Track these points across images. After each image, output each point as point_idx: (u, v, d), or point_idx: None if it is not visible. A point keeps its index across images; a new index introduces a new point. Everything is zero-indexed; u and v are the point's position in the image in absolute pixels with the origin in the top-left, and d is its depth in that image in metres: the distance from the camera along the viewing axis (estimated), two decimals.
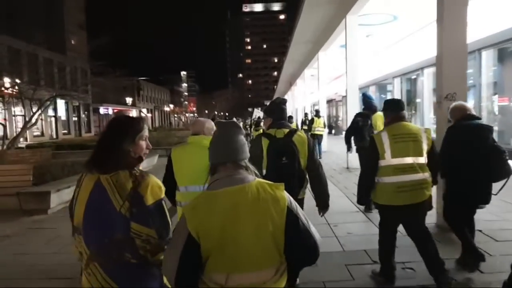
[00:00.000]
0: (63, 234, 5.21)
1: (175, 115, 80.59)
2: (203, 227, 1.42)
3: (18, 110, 32.17)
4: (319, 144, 13.65)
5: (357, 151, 6.29)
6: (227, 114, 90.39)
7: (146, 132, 1.80)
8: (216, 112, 79.83)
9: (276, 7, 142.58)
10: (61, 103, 38.01)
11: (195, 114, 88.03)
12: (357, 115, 6.37)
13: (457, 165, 3.43)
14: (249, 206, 1.44)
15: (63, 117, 39.70)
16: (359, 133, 6.06)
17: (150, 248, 1.62)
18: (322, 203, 3.09)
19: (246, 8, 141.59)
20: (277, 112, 3.20)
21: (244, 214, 1.43)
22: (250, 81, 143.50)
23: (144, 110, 63.53)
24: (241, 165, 1.55)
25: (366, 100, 6.33)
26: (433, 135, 3.46)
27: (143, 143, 1.78)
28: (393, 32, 13.70)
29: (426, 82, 14.26)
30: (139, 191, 1.62)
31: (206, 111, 71.68)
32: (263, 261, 1.44)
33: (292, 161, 2.89)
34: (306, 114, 18.28)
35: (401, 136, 3.20)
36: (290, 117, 11.72)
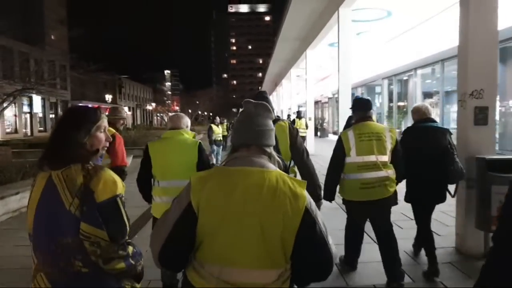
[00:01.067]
0: (5, 254, 4.32)
1: (158, 114, 79.26)
2: (206, 200, 1.27)
3: None
4: None
5: None
6: (211, 114, 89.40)
7: (104, 123, 1.63)
8: (199, 112, 78.91)
9: (261, 8, 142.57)
10: (37, 99, 36.42)
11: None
12: (351, 118, 6.31)
13: (413, 165, 3.52)
14: (264, 195, 1.26)
15: (40, 114, 38.02)
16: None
17: (100, 253, 1.41)
18: (313, 196, 2.69)
19: (232, 9, 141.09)
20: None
21: (255, 201, 1.25)
22: (234, 82, 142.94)
23: (126, 108, 61.95)
24: (265, 151, 1.40)
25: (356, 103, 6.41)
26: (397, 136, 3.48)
27: (101, 135, 1.60)
28: (386, 30, 13.19)
29: (419, 84, 13.85)
30: (90, 186, 1.43)
31: (190, 111, 70.63)
32: (265, 260, 1.26)
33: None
34: (288, 116, 17.79)
35: (366, 134, 3.29)
36: (278, 117, 11.00)
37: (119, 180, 1.51)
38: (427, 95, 13.87)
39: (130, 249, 1.51)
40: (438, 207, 3.82)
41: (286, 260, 1.30)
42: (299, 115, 13.33)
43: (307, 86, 15.52)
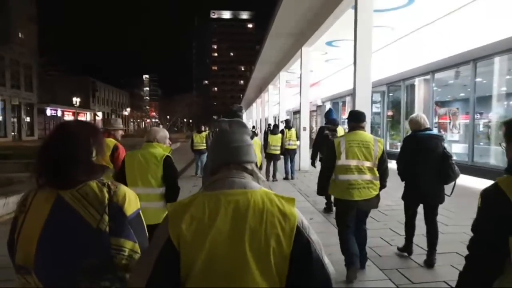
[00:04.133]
0: None
1: (134, 120, 75.87)
2: (187, 232, 1.13)
3: None
4: (291, 161, 11.01)
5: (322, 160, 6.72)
6: (190, 121, 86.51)
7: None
8: (178, 119, 76.03)
9: (244, 15, 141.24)
10: None
11: (157, 120, 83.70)
12: (324, 128, 6.83)
13: (411, 169, 4.11)
14: (250, 217, 1.14)
15: None
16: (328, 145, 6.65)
17: (132, 266, 1.37)
18: None
19: (214, 15, 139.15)
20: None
21: (242, 225, 1.13)
22: (215, 89, 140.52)
23: (100, 114, 58.57)
24: (246, 168, 1.29)
25: (332, 115, 6.99)
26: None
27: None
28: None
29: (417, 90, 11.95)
30: (115, 201, 1.41)
31: (168, 117, 67.68)
32: (261, 286, 1.11)
33: None
34: (269, 125, 15.73)
35: (356, 142, 3.75)
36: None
37: (135, 194, 1.53)
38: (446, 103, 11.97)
39: None
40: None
41: (282, 283, 1.14)
42: (287, 124, 11.17)
43: (302, 90, 13.34)
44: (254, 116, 45.04)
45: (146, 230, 1.51)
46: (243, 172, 1.27)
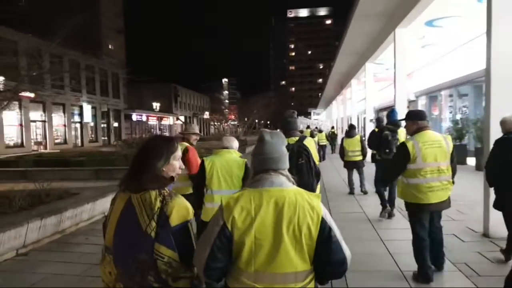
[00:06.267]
0: None
1: (214, 123, 77.61)
2: (239, 220, 1.49)
3: (38, 115, 29.46)
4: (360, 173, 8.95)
5: (378, 161, 6.75)
6: (268, 122, 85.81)
7: (179, 152, 1.81)
8: (256, 121, 75.91)
9: (322, 11, 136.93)
10: (87, 108, 35.16)
11: (235, 122, 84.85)
12: (385, 129, 6.67)
13: (506, 173, 3.78)
14: (286, 208, 1.50)
15: (91, 123, 36.77)
16: (387, 146, 6.28)
17: (171, 272, 1.58)
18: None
19: (291, 14, 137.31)
20: (284, 124, 3.88)
21: (280, 214, 1.49)
22: (293, 89, 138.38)
23: (182, 117, 60.65)
24: (282, 174, 1.62)
25: (395, 115, 6.75)
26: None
27: (176, 163, 1.77)
28: None
29: None
30: (165, 211, 1.60)
31: (246, 119, 67.68)
32: (296, 264, 1.49)
33: (307, 161, 3.46)
34: (332, 127, 13.84)
35: (429, 143, 3.57)
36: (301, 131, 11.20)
37: (190, 206, 1.69)
38: None
39: (195, 270, 1.63)
40: None
41: (311, 262, 1.53)
42: (350, 130, 9.23)
43: (397, 81, 10.72)
44: (334, 115, 42.08)
45: (193, 242, 1.64)
46: (279, 175, 1.61)
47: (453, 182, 3.73)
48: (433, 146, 3.57)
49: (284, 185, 1.57)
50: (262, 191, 1.54)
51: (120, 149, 13.62)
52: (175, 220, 1.58)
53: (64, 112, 32.46)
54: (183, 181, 4.10)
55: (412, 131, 3.73)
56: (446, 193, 3.63)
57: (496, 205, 4.03)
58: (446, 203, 3.68)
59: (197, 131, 4.71)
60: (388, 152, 6.24)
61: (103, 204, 6.96)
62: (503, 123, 4.01)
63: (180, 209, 1.61)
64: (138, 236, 1.58)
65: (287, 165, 1.66)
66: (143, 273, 1.57)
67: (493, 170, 3.99)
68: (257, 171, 1.62)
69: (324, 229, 1.50)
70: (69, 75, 31.98)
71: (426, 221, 3.71)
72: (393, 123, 6.52)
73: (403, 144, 3.67)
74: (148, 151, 1.72)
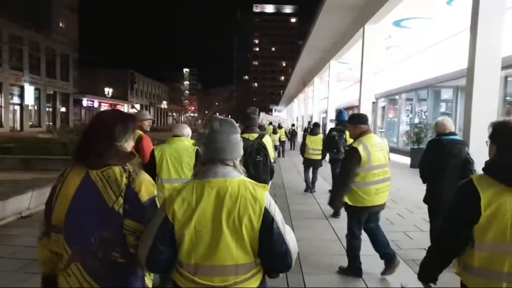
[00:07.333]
0: None
1: (172, 114, 75.23)
2: (178, 210, 1.48)
3: None
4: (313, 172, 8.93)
5: (331, 162, 7.12)
6: (229, 116, 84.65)
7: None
8: (217, 114, 74.44)
9: (287, 9, 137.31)
10: (30, 90, 32.09)
11: (195, 114, 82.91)
12: (332, 129, 7.09)
13: (435, 172, 4.00)
14: (227, 199, 1.48)
15: (32, 107, 33.63)
16: (335, 146, 6.68)
17: None
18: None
19: (257, 9, 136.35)
20: (247, 120, 3.93)
21: (221, 205, 1.48)
22: (256, 84, 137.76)
23: (137, 106, 57.96)
24: (228, 164, 1.59)
25: (344, 116, 6.86)
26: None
27: (131, 141, 1.77)
28: None
29: None
30: (133, 187, 1.61)
31: (206, 112, 66.29)
32: (237, 256, 1.47)
33: (264, 158, 3.56)
34: (309, 123, 16.15)
35: (375, 146, 3.65)
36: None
37: (153, 182, 1.72)
38: None
39: None
40: None
41: (255, 256, 1.51)
42: (314, 128, 9.27)
43: (363, 79, 10.23)
44: (295, 113, 41.93)
45: None
46: (225, 166, 1.57)
47: None
48: (379, 149, 3.68)
49: (229, 175, 1.55)
50: (204, 182, 1.53)
51: (58, 136, 12.05)
52: (144, 196, 1.62)
53: (0, 92, 29.32)
54: None
55: (356, 135, 3.75)
56: (387, 195, 3.78)
57: (425, 200, 4.23)
58: (385, 204, 3.83)
59: (149, 117, 4.60)
60: (336, 151, 6.77)
61: (19, 203, 5.76)
62: (436, 125, 4.18)
63: (148, 186, 1.65)
64: (103, 212, 1.57)
65: (235, 154, 1.63)
66: (105, 249, 1.56)
67: (424, 169, 4.19)
68: (204, 161, 1.63)
69: (267, 220, 1.48)
70: (7, 50, 29.07)
71: (363, 221, 3.83)
72: (341, 124, 6.83)
73: (353, 148, 3.63)
74: (110, 125, 1.66)
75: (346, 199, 3.74)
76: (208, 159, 1.59)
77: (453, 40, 11.82)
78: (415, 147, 12.90)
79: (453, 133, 4.05)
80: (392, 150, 15.91)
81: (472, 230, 1.63)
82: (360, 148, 3.57)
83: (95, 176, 1.59)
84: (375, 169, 3.60)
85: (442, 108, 15.23)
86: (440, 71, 12.83)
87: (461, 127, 12.56)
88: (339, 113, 7.32)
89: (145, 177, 1.66)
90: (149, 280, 1.75)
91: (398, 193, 7.97)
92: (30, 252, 4.12)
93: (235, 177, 1.54)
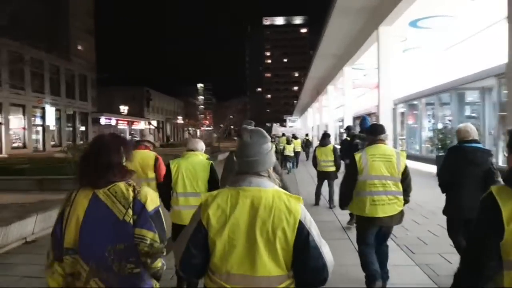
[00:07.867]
0: None
1: (189, 128, 75.78)
2: (213, 218, 1.50)
3: None
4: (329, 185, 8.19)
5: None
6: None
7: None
8: (232, 126, 74.65)
9: (297, 20, 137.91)
10: (51, 111, 32.87)
11: (210, 128, 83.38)
12: (355, 137, 7.12)
13: (455, 181, 3.84)
14: (262, 210, 1.48)
15: (53, 127, 34.34)
16: None
17: (152, 253, 1.71)
18: None
19: (267, 21, 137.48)
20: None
21: (255, 216, 1.48)
22: (269, 96, 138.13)
23: (154, 122, 58.55)
24: (262, 175, 1.60)
25: (367, 123, 6.64)
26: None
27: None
28: None
29: None
30: (139, 199, 1.75)
31: (221, 125, 66.37)
32: (270, 268, 1.45)
33: None
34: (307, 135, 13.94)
35: (378, 156, 3.61)
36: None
37: (157, 194, 1.89)
38: None
39: (165, 251, 1.79)
40: None
41: (288, 268, 1.49)
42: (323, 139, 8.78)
43: (381, 83, 9.82)
44: (309, 122, 41.47)
45: (164, 224, 1.83)
46: (260, 176, 1.58)
47: (407, 201, 3.74)
48: (381, 159, 3.60)
49: (263, 185, 1.55)
50: (239, 190, 1.53)
51: (71, 155, 11.97)
52: (150, 206, 1.75)
53: (24, 114, 30.14)
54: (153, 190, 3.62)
55: (367, 145, 3.83)
56: (394, 208, 3.61)
57: (444, 211, 4.08)
58: (396, 219, 3.67)
59: (150, 139, 4.84)
60: None
61: (23, 228, 5.52)
62: (458, 132, 4.04)
63: (152, 196, 1.80)
64: (115, 226, 1.67)
65: (268, 164, 1.63)
66: (120, 261, 1.66)
67: (444, 177, 4.07)
68: (237, 172, 1.63)
69: (302, 233, 1.47)
70: (30, 75, 29.89)
71: (371, 235, 3.73)
72: (365, 131, 6.46)
73: (353, 156, 3.74)
74: (111, 149, 1.80)
75: (349, 207, 3.87)
76: (242, 172, 1.60)
77: (477, 38, 11.30)
78: (440, 154, 12.27)
79: (476, 141, 3.88)
80: (415, 158, 15.35)
81: (499, 247, 1.51)
82: (357, 156, 3.67)
83: (103, 194, 1.71)
84: (373, 179, 3.57)
85: (467, 112, 14.46)
86: (464, 72, 12.26)
87: (491, 130, 11.96)
88: (362, 119, 7.04)
89: (148, 190, 1.82)
90: None
91: (428, 207, 7.25)
92: (34, 282, 3.93)
93: (269, 187, 1.55)
